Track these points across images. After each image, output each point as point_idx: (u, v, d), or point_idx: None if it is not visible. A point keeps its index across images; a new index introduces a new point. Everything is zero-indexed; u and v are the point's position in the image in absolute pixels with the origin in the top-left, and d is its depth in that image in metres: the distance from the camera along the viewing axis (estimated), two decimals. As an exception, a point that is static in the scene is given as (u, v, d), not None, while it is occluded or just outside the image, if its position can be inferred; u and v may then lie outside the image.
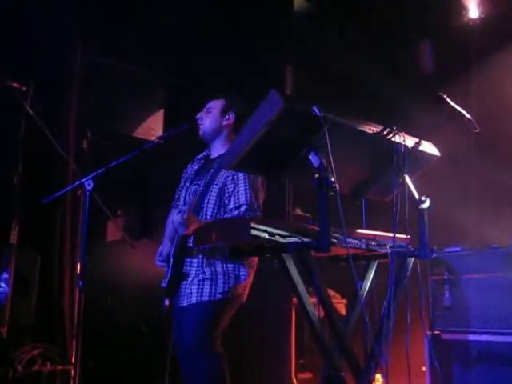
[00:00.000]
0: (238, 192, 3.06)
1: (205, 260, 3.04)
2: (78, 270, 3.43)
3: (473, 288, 4.14)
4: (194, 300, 3.03)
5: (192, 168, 3.39)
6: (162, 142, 3.24)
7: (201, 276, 3.04)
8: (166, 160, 4.40)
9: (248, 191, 3.03)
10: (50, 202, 3.56)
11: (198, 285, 3.03)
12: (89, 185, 3.22)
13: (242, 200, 3.03)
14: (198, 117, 3.29)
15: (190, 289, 3.05)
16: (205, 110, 3.32)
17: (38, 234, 4.27)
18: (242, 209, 3.01)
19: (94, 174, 3.24)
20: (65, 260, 4.29)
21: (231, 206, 3.06)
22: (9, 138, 3.78)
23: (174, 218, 2.89)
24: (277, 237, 2.14)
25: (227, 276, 3.04)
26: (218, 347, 3.03)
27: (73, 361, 3.13)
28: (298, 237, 2.17)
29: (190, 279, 3.06)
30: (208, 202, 3.11)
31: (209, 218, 3.08)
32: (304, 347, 5.20)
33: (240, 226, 2.11)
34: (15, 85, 3.63)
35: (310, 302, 2.28)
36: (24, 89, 3.66)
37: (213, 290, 3.02)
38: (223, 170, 3.09)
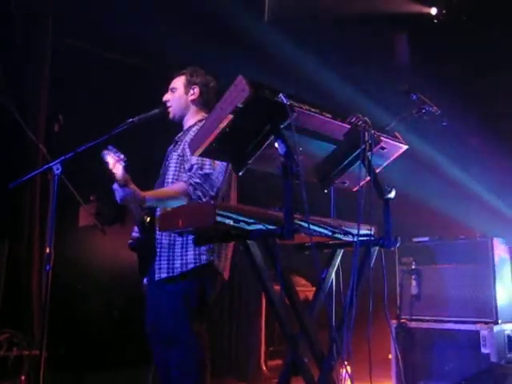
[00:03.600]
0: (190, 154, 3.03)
1: (171, 235, 3.02)
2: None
3: (439, 278, 4.23)
4: (164, 274, 3.01)
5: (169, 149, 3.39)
6: (131, 125, 3.20)
7: (168, 250, 3.03)
8: (139, 144, 4.38)
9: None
10: (18, 187, 3.52)
11: (168, 259, 3.02)
12: (57, 169, 3.18)
13: (193, 160, 3.02)
14: (164, 99, 3.28)
15: (160, 263, 3.03)
16: (169, 90, 3.30)
17: (7, 219, 4.23)
18: (193, 169, 3.00)
19: (63, 157, 3.20)
20: (34, 245, 4.25)
21: (186, 168, 3.06)
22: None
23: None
24: (241, 223, 2.14)
25: (185, 247, 3.02)
26: (196, 327, 3.00)
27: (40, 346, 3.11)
28: (262, 224, 2.17)
29: (158, 252, 3.04)
30: (168, 168, 3.15)
31: (170, 181, 3.09)
32: (274, 335, 5.24)
33: (205, 212, 2.11)
34: (-16, 68, 3.57)
35: (274, 288, 2.29)
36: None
37: (183, 261, 3.00)
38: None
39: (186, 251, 3.03)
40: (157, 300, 3.07)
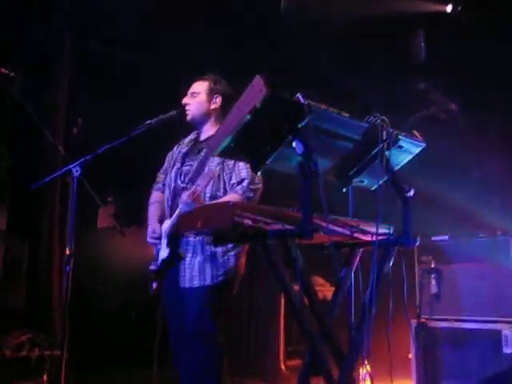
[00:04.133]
0: (238, 167, 3.11)
1: (203, 239, 3.05)
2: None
3: (460, 277, 4.19)
4: (196, 283, 3.05)
5: (179, 151, 3.39)
6: (149, 127, 3.23)
7: (200, 257, 3.05)
8: (156, 146, 4.41)
9: (248, 165, 3.03)
10: (39, 189, 3.56)
11: (199, 267, 3.06)
12: (76, 171, 3.21)
13: (244, 174, 3.09)
14: (183, 102, 3.29)
15: (191, 270, 3.07)
16: (189, 94, 3.31)
17: (27, 221, 4.28)
18: (245, 183, 3.07)
19: (82, 160, 3.23)
20: (54, 246, 4.30)
21: (233, 181, 3.11)
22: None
23: (183, 197, 2.94)
24: (260, 223, 2.15)
25: (226, 256, 3.07)
26: (218, 335, 3.05)
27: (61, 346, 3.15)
28: (281, 223, 2.17)
29: (188, 260, 3.08)
30: (203, 174, 3.10)
31: (207, 195, 3.11)
32: (293, 335, 5.23)
33: (224, 212, 2.12)
34: (3, 70, 3.61)
35: (293, 288, 2.29)
36: (12, 74, 3.65)
37: (214, 273, 3.05)
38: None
39: (228, 259, 3.08)
40: (181, 300, 3.10)
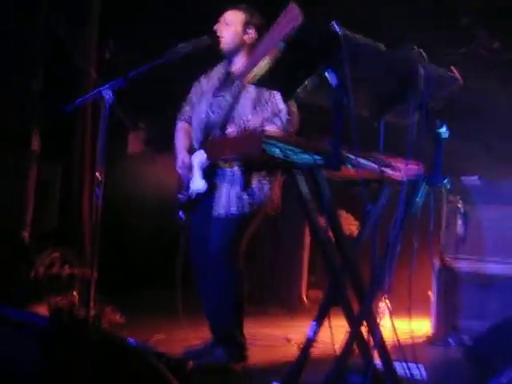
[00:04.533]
0: (274, 97, 3.10)
1: (237, 172, 3.08)
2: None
3: (486, 219, 4.15)
4: (234, 212, 3.11)
5: (207, 81, 3.35)
6: (181, 53, 3.18)
7: (237, 187, 3.10)
8: (188, 71, 4.36)
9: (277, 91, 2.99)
10: (70, 112, 3.57)
11: (237, 196, 3.11)
12: (107, 94, 3.20)
13: (281, 105, 3.09)
14: (215, 29, 3.22)
15: (229, 200, 3.12)
16: (223, 21, 3.23)
17: (60, 144, 4.34)
18: (283, 113, 3.07)
19: (113, 83, 3.22)
20: (85, 169, 4.37)
21: (270, 111, 3.11)
22: (30, 47, 3.75)
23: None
24: (288, 152, 2.14)
25: (261, 184, 3.13)
26: (240, 261, 3.13)
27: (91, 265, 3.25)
28: (309, 154, 2.16)
29: (225, 190, 3.12)
30: (244, 113, 3.12)
31: (249, 123, 3.08)
32: (316, 265, 5.30)
33: (251, 140, 2.11)
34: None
35: (319, 220, 2.30)
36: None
37: (251, 201, 3.11)
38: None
39: (262, 186, 3.14)
40: (210, 228, 3.15)
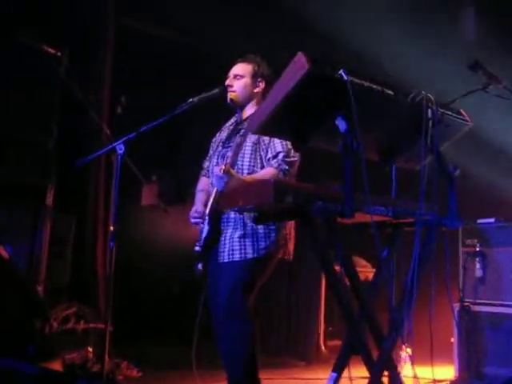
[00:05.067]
0: (273, 141, 3.12)
1: (243, 215, 3.06)
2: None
3: (505, 261, 4.08)
4: (237, 257, 3.07)
5: (221, 136, 3.42)
6: (191, 105, 3.25)
7: (240, 232, 3.08)
8: (199, 125, 4.43)
9: (283, 139, 3.05)
10: (84, 166, 3.63)
11: (240, 241, 3.07)
12: (120, 149, 3.26)
13: (279, 148, 3.10)
14: (227, 83, 3.28)
15: (232, 245, 3.09)
16: (232, 75, 3.29)
17: (74, 197, 4.38)
18: (280, 156, 3.09)
19: (125, 138, 3.28)
20: (99, 222, 4.39)
21: (269, 155, 3.13)
22: (44, 103, 3.86)
23: (214, 170, 2.98)
24: (301, 201, 2.13)
25: (268, 230, 3.09)
26: (250, 310, 3.07)
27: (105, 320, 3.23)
28: (322, 201, 2.15)
29: (229, 235, 3.10)
30: (243, 157, 3.15)
31: (245, 171, 3.12)
32: (333, 314, 5.22)
33: (265, 189, 2.11)
34: (50, 50, 3.68)
35: (334, 268, 2.27)
36: (59, 54, 3.71)
37: (255, 247, 3.07)
38: None
39: (269, 233, 3.09)
40: (218, 275, 3.13)
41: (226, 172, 2.93)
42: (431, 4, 4.98)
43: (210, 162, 3.42)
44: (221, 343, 3.15)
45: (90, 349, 3.88)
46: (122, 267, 3.47)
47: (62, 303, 3.94)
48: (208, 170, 3.44)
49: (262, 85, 3.27)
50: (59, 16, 4.17)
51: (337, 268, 2.30)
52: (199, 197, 3.41)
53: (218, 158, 3.30)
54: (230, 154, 3.10)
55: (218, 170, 2.97)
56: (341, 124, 2.12)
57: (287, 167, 3.08)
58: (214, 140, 3.48)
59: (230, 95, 3.26)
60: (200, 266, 3.20)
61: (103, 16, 4.51)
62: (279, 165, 3.08)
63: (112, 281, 3.18)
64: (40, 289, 3.59)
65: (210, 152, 3.47)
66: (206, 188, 3.41)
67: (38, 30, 3.90)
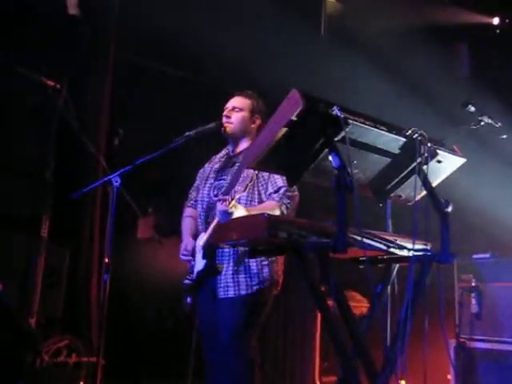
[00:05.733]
0: (273, 176, 3.16)
1: (236, 249, 3.07)
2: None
3: (502, 296, 4.06)
4: (231, 293, 3.06)
5: (211, 166, 3.42)
6: (188, 139, 3.28)
7: (234, 267, 3.08)
8: (194, 157, 4.45)
9: (278, 175, 3.09)
10: (80, 198, 3.64)
11: (233, 277, 3.07)
12: (116, 181, 3.28)
13: (280, 182, 3.14)
14: (225, 114, 3.31)
15: (226, 281, 3.08)
16: (231, 107, 3.32)
17: (69, 229, 4.37)
18: (282, 190, 3.12)
19: (121, 170, 3.30)
20: (93, 255, 4.38)
21: (270, 190, 3.16)
22: (42, 134, 3.88)
23: (219, 207, 2.97)
24: (295, 236, 2.14)
25: (260, 265, 3.07)
26: (251, 347, 3.04)
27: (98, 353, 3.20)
28: (316, 236, 2.16)
29: (224, 270, 3.09)
30: (236, 192, 3.12)
31: (242, 205, 3.12)
32: (329, 350, 5.16)
33: (259, 224, 2.11)
34: (50, 82, 3.72)
35: (328, 303, 2.27)
36: (58, 86, 3.75)
37: (248, 283, 3.06)
38: None
39: (262, 269, 3.07)
40: (216, 312, 3.11)
41: (232, 206, 2.93)
42: (420, 40, 5.08)
43: (198, 193, 3.42)
44: (217, 381, 3.11)
45: (82, 383, 3.82)
46: (116, 300, 3.45)
47: (54, 336, 3.89)
48: (195, 201, 3.43)
49: (258, 121, 3.32)
50: (59, 47, 4.23)
51: (330, 303, 2.29)
52: (186, 227, 3.40)
53: (210, 190, 3.30)
54: (238, 187, 3.08)
55: (224, 206, 2.95)
56: (334, 160, 2.14)
57: (289, 201, 3.11)
58: (201, 170, 3.49)
59: (226, 125, 3.29)
60: (189, 300, 3.18)
61: (103, 48, 4.57)
62: (281, 198, 3.11)
63: (105, 313, 3.16)
64: (32, 321, 3.56)
65: (197, 182, 3.48)
66: (193, 217, 3.40)
67: (38, 60, 3.95)
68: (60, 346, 3.78)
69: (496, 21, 5.64)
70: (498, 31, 5.55)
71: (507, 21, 5.60)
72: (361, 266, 2.54)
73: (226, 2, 4.90)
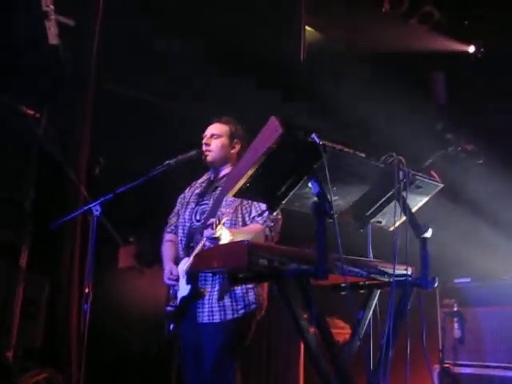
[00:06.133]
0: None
1: (219, 277, 3.02)
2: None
3: (484, 321, 4.07)
4: (216, 318, 3.04)
5: (192, 191, 3.42)
6: (168, 168, 3.28)
7: (215, 294, 3.06)
8: (175, 185, 4.45)
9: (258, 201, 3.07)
10: (60, 227, 3.60)
11: (218, 302, 3.06)
12: (96, 210, 3.26)
13: (263, 206, 3.09)
14: (204, 142, 3.32)
15: (211, 305, 3.06)
16: (209, 134, 3.34)
17: (48, 258, 4.32)
18: (265, 214, 3.11)
19: (102, 199, 3.28)
20: (73, 284, 4.32)
21: (254, 213, 3.16)
22: (22, 163, 3.86)
23: (205, 233, 2.96)
24: (275, 263, 2.13)
25: (245, 289, 3.08)
26: (234, 375, 3.01)
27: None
28: (296, 263, 2.16)
29: (207, 295, 3.07)
30: (223, 215, 3.12)
31: (228, 225, 3.09)
32: (313, 377, 5.11)
33: (239, 251, 2.11)
34: (29, 112, 3.72)
35: (309, 330, 2.25)
36: (38, 115, 3.74)
37: (234, 307, 3.05)
38: None
39: (247, 293, 3.07)
40: (199, 338, 3.08)
41: (219, 230, 2.90)
42: (402, 69, 5.17)
43: (178, 218, 3.41)
44: None
45: (61, 417, 3.74)
46: (97, 330, 3.39)
47: (32, 368, 3.80)
48: (176, 226, 3.42)
49: (237, 146, 3.33)
50: (39, 76, 4.22)
51: (312, 330, 2.28)
52: (166, 252, 3.39)
53: (191, 215, 3.29)
54: (227, 210, 3.07)
55: (210, 231, 2.91)
56: (314, 186, 2.16)
57: (272, 224, 3.13)
58: (182, 196, 3.49)
59: (206, 154, 3.30)
60: (172, 326, 3.14)
61: (83, 78, 4.59)
62: (265, 221, 3.12)
63: (86, 344, 3.11)
64: (9, 353, 3.48)
65: (178, 207, 3.47)
66: (173, 241, 3.39)
67: (18, 90, 3.95)
68: (38, 380, 3.69)
69: (472, 49, 5.77)
70: (473, 59, 5.68)
71: (482, 49, 5.73)
72: (342, 293, 2.54)
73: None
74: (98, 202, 3.27)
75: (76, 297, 4.30)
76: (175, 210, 3.50)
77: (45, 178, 3.88)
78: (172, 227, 3.47)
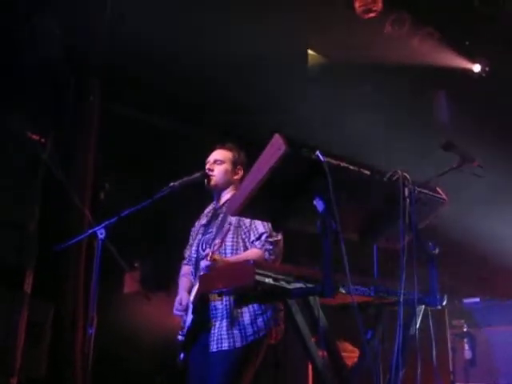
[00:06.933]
0: (254, 223, 3.16)
1: (230, 302, 3.03)
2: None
3: (494, 341, 4.01)
4: (225, 346, 3.02)
5: (200, 223, 3.45)
6: (172, 190, 3.27)
7: (228, 320, 3.04)
8: (182, 212, 4.43)
9: (263, 221, 3.08)
10: (64, 252, 3.59)
11: (228, 330, 3.02)
12: (101, 234, 3.24)
13: (261, 229, 3.14)
14: (207, 167, 3.33)
15: (220, 334, 3.04)
16: (213, 160, 3.36)
17: (53, 283, 4.29)
18: (263, 237, 3.11)
19: (107, 222, 3.26)
20: (78, 309, 4.28)
21: (252, 237, 3.15)
22: (27, 188, 3.87)
23: (202, 263, 2.98)
24: (281, 282, 2.11)
25: (254, 315, 3.04)
26: None
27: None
28: (303, 282, 2.13)
29: (217, 324, 3.05)
30: (225, 241, 3.15)
31: (228, 254, 3.14)
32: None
33: (244, 271, 2.08)
34: (34, 137, 3.73)
35: (316, 349, 2.21)
36: (43, 140, 3.76)
37: (243, 334, 3.02)
38: None
39: (256, 319, 3.04)
40: (208, 366, 3.05)
41: (212, 259, 2.91)
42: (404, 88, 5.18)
43: (190, 250, 3.42)
44: None
45: None
46: (102, 357, 3.35)
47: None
48: (190, 259, 3.43)
49: (240, 172, 3.36)
50: (43, 103, 4.25)
51: (320, 351, 2.23)
52: (183, 284, 3.39)
53: (200, 246, 3.31)
54: (217, 241, 3.10)
55: (206, 262, 2.96)
56: (319, 204, 2.13)
57: (271, 247, 3.10)
58: (193, 229, 3.52)
59: (211, 179, 3.31)
60: (182, 355, 3.12)
61: (88, 101, 4.61)
62: (263, 245, 3.10)
63: (90, 372, 3.07)
64: (14, 380, 3.43)
65: (190, 241, 3.50)
66: (188, 274, 3.39)
67: (25, 115, 3.96)
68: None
69: (477, 68, 5.77)
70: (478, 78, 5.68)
71: (487, 69, 5.74)
72: (350, 312, 2.50)
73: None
74: (103, 225, 3.26)
75: (81, 322, 4.27)
76: (189, 243, 3.52)
77: (50, 202, 3.88)
78: (186, 260, 3.50)
